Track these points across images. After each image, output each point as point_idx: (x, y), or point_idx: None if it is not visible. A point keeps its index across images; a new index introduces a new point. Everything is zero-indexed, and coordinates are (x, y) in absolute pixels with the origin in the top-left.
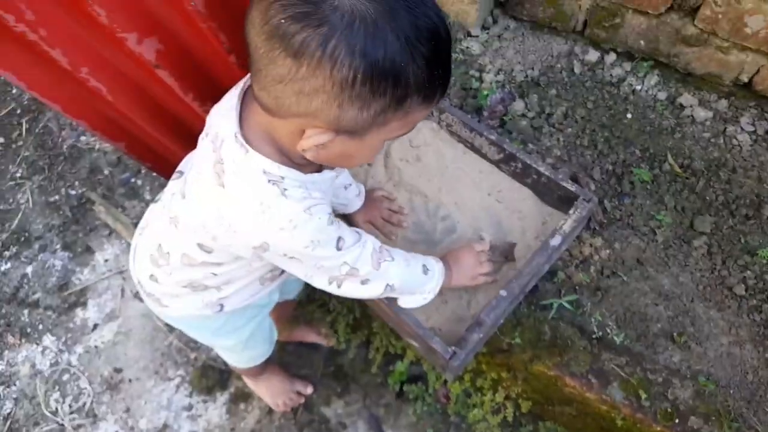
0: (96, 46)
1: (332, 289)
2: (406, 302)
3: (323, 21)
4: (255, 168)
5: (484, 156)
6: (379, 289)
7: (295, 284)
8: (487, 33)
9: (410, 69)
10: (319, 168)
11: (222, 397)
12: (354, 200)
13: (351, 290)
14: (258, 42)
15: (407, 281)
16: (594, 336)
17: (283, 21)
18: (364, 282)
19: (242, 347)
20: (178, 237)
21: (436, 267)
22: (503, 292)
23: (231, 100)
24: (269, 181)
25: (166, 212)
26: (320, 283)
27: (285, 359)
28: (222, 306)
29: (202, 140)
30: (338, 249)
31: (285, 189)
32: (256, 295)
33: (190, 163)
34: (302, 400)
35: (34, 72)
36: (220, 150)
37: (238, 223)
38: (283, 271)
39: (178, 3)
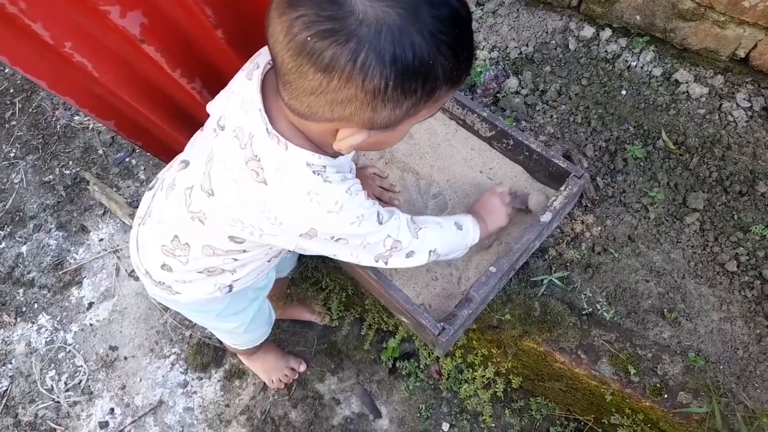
0: (79, 20)
1: (380, 266)
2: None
3: (351, 36)
4: (298, 161)
5: (476, 133)
6: (423, 257)
7: (288, 262)
8: (482, 9)
9: (438, 63)
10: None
11: (217, 374)
12: None
13: (398, 263)
14: (285, 57)
15: (447, 243)
16: (584, 312)
17: (309, 38)
18: (408, 255)
19: (243, 329)
20: (203, 231)
21: (468, 221)
22: (493, 269)
23: (244, 90)
24: (313, 172)
25: (184, 207)
26: (367, 261)
27: (279, 336)
28: (231, 287)
29: (216, 132)
30: (380, 223)
31: (327, 176)
32: (261, 272)
33: (198, 153)
34: (296, 377)
35: (17, 47)
36: (251, 146)
37: (286, 215)
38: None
39: None
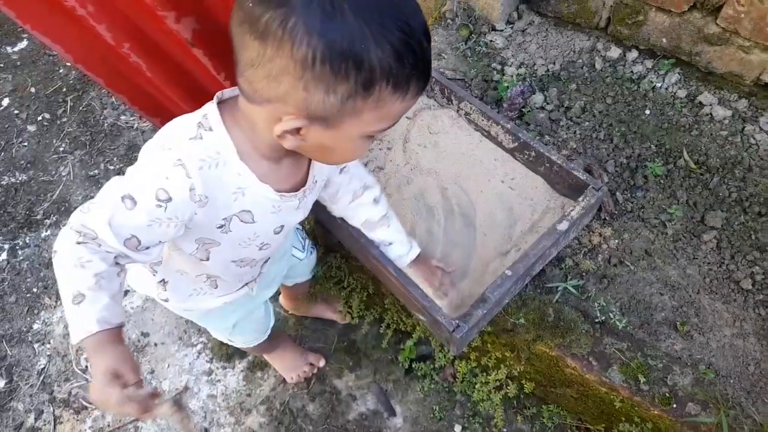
0: (138, 23)
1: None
2: None
3: (284, 1)
4: (194, 120)
5: (499, 144)
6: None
7: (302, 269)
8: (512, 27)
9: (373, 53)
10: (296, 186)
11: (240, 365)
12: (398, 259)
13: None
14: (234, 30)
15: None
16: (597, 320)
17: (250, 5)
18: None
19: (229, 332)
20: None
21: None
22: (508, 272)
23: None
24: (190, 138)
25: None
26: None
27: (301, 333)
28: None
29: None
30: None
31: (185, 151)
32: (198, 280)
33: None
34: (315, 371)
35: (80, 46)
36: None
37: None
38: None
39: None
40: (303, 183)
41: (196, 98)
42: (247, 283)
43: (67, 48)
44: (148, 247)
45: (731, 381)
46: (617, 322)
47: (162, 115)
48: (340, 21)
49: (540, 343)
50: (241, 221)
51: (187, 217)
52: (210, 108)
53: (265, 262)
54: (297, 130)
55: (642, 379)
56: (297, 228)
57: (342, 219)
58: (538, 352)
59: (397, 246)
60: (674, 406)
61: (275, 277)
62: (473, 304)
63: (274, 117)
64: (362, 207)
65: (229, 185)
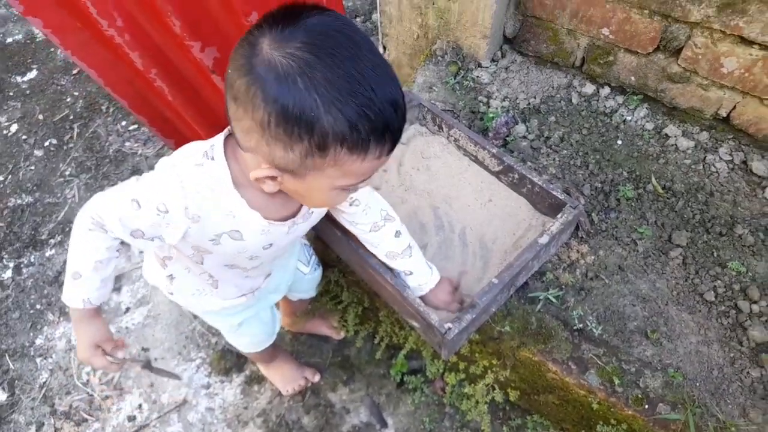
0: (166, 51)
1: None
2: None
3: (249, 71)
4: (202, 149)
5: (486, 168)
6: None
7: (307, 285)
8: (496, 65)
9: (324, 119)
10: (287, 216)
11: (238, 379)
12: (418, 288)
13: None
14: (224, 88)
15: None
16: (575, 328)
17: (230, 71)
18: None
19: (234, 330)
20: None
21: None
22: (495, 280)
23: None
24: (196, 164)
25: None
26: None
27: (297, 348)
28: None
29: None
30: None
31: (188, 174)
32: (203, 276)
33: None
34: (309, 385)
35: (112, 71)
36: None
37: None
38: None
39: (236, 17)
40: (295, 214)
41: (210, 122)
42: (245, 294)
43: (100, 72)
44: (152, 239)
45: (697, 383)
46: (594, 330)
47: (176, 137)
48: (293, 89)
49: (524, 350)
50: (231, 238)
51: (183, 228)
52: (217, 140)
53: (267, 276)
54: (273, 178)
55: (617, 382)
56: (305, 244)
57: (342, 233)
58: (522, 358)
59: (418, 275)
60: (646, 406)
61: (279, 284)
62: (462, 309)
63: (255, 163)
64: (384, 239)
65: (222, 208)
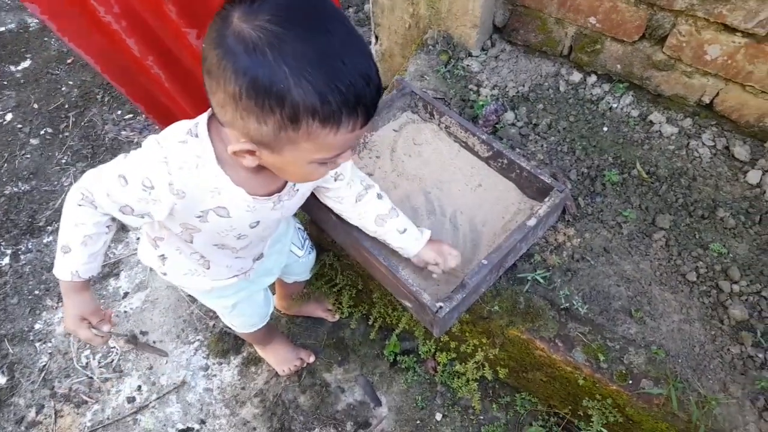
0: (163, 38)
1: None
2: None
3: (220, 44)
4: (183, 128)
5: (475, 153)
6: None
7: (301, 267)
8: (486, 54)
9: (294, 91)
10: (272, 192)
11: (235, 360)
12: (415, 243)
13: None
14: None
15: None
16: (562, 308)
17: (204, 45)
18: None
19: (228, 311)
20: None
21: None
22: (484, 261)
23: None
24: (180, 141)
25: None
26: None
27: (293, 330)
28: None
29: None
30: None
31: (173, 150)
32: (193, 256)
33: None
34: (305, 365)
35: (110, 58)
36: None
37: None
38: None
39: None
40: (280, 189)
41: (205, 108)
42: (236, 275)
43: (97, 59)
44: (142, 216)
45: (679, 360)
46: (580, 309)
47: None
48: (263, 61)
49: (512, 328)
50: (217, 215)
51: (169, 204)
52: (202, 118)
53: (257, 259)
54: (251, 152)
55: (602, 358)
56: (299, 227)
57: (337, 218)
58: (511, 337)
59: (411, 231)
60: (630, 382)
61: (272, 268)
62: (454, 289)
63: (234, 137)
64: (369, 204)
65: (207, 184)
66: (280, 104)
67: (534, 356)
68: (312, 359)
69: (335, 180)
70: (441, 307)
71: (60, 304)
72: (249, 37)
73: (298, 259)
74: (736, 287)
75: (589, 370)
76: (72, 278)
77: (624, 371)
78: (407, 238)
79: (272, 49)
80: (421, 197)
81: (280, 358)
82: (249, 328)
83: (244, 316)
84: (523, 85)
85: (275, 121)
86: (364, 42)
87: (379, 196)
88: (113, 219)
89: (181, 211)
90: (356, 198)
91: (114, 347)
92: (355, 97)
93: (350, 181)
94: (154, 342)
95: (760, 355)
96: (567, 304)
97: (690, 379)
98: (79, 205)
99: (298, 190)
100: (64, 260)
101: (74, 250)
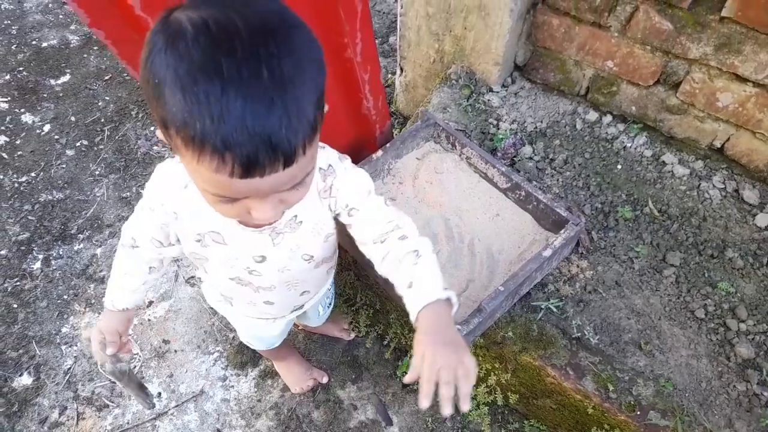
0: None
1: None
2: None
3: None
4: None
5: (494, 184)
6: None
7: (319, 320)
8: (506, 90)
9: (166, 92)
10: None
11: (252, 373)
12: (426, 295)
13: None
14: None
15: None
16: (573, 337)
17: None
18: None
19: (245, 330)
20: None
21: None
22: (501, 287)
23: None
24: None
25: None
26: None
27: (309, 346)
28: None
29: None
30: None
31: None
32: (220, 282)
33: None
34: (317, 385)
35: (132, 46)
36: None
37: None
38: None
39: None
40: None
41: None
42: (263, 318)
43: (119, 49)
44: (171, 244)
45: (686, 394)
46: (591, 339)
47: None
48: (157, 58)
49: (525, 354)
50: (214, 241)
51: (171, 226)
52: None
53: (295, 310)
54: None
55: (611, 388)
56: (330, 288)
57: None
58: (523, 363)
59: (426, 282)
60: (638, 412)
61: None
62: (471, 313)
63: None
64: (388, 244)
65: (195, 204)
66: (156, 99)
67: (545, 383)
68: (325, 380)
69: (349, 216)
70: (458, 330)
71: (87, 309)
72: (178, 31)
73: (318, 314)
74: (743, 326)
75: (599, 399)
76: (106, 306)
77: (632, 402)
78: (409, 294)
79: (169, 43)
80: (441, 224)
81: (294, 377)
82: (264, 346)
83: (261, 338)
84: (541, 121)
85: (157, 115)
86: (304, 95)
87: (402, 238)
88: (160, 260)
89: (181, 234)
90: (378, 237)
91: (137, 354)
92: (224, 142)
93: (373, 221)
94: (175, 351)
95: (766, 394)
96: (579, 334)
97: (696, 413)
98: (122, 245)
99: (301, 222)
100: (107, 290)
101: (114, 284)
